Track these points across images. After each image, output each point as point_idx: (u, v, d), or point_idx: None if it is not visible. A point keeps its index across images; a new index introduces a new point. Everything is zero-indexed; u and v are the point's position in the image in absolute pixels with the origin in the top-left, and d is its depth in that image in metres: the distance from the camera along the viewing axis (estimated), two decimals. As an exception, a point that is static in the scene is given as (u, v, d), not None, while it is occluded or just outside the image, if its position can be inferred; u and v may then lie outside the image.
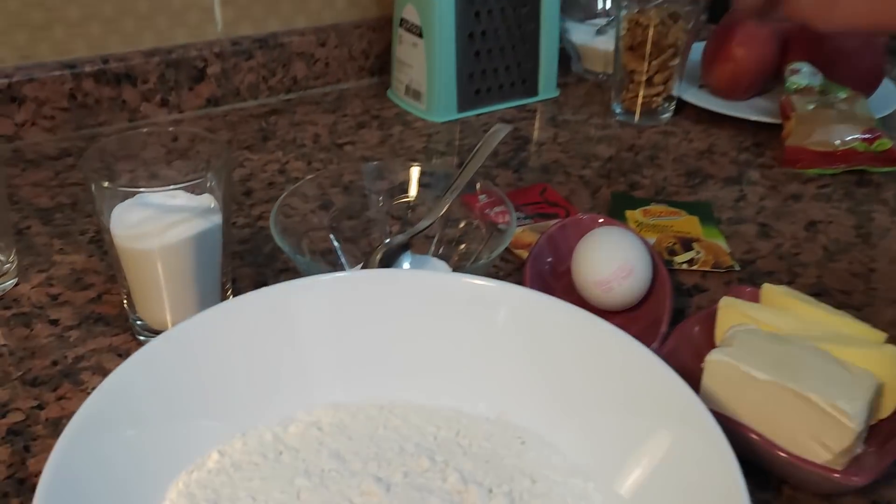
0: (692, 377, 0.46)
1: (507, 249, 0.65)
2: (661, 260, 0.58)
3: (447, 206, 0.58)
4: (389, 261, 0.57)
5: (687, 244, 0.66)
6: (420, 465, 0.42)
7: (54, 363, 0.51)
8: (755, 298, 0.53)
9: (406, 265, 0.57)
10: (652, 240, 0.66)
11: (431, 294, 0.46)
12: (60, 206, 0.67)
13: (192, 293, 0.52)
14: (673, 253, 0.64)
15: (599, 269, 0.54)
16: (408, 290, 0.47)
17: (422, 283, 0.47)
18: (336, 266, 0.59)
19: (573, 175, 0.77)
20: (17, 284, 0.58)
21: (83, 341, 0.53)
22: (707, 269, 0.63)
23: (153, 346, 0.41)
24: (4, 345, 0.52)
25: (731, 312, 0.51)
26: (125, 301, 0.53)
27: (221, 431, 0.42)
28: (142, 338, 0.53)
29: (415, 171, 0.63)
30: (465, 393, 0.46)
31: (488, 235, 0.58)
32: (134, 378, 0.40)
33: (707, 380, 0.46)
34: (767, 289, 0.52)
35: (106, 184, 0.48)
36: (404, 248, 0.57)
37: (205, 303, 0.53)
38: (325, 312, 0.46)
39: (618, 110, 0.89)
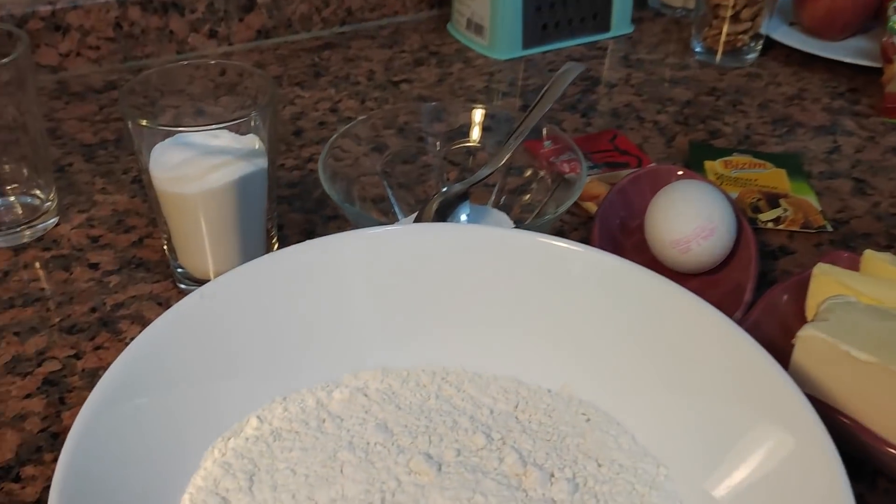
0: (779, 353, 0.41)
1: (575, 202, 0.60)
2: (745, 218, 0.52)
3: (510, 154, 0.53)
4: (446, 211, 0.53)
5: (773, 200, 0.60)
6: (475, 442, 0.38)
7: (93, 310, 0.49)
8: (854, 266, 0.48)
9: (464, 217, 0.53)
10: (734, 195, 0.60)
11: (493, 252, 0.42)
12: (104, 143, 0.65)
13: (236, 241, 0.49)
14: (757, 210, 0.59)
15: (677, 227, 0.48)
16: (467, 247, 0.42)
17: (483, 238, 0.42)
18: (388, 215, 0.55)
19: (647, 121, 0.71)
20: (57, 224, 0.55)
21: (123, 287, 0.50)
22: (795, 228, 0.57)
23: (188, 303, 0.38)
24: (43, 289, 0.50)
25: (827, 281, 0.45)
26: (165, 247, 0.50)
27: (261, 394, 0.39)
28: (182, 286, 0.50)
29: (476, 114, 0.58)
30: (525, 361, 0.42)
31: (554, 186, 0.53)
32: (168, 336, 0.36)
33: (798, 358, 0.41)
34: (869, 255, 0.46)
35: (144, 122, 0.45)
36: (462, 197, 0.53)
37: (248, 251, 0.50)
38: (376, 268, 0.42)
39: (698, 49, 0.81)
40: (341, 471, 0.36)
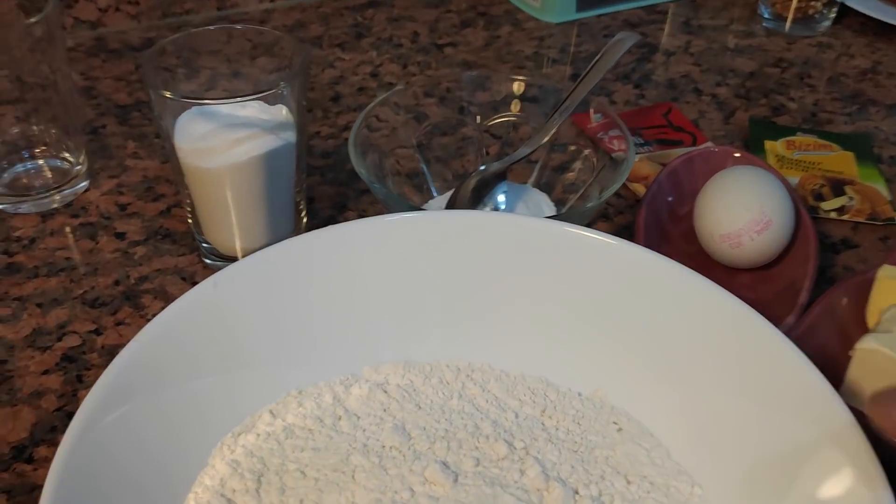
0: (835, 364, 0.38)
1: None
2: (805, 209, 0.48)
3: (554, 130, 0.50)
4: (483, 190, 0.50)
5: (838, 187, 0.55)
6: (496, 451, 0.36)
7: (116, 283, 0.48)
8: (924, 269, 0.44)
9: (501, 197, 0.50)
10: (795, 180, 0.56)
11: (524, 243, 0.39)
12: (139, 104, 0.63)
13: (262, 216, 0.47)
14: (820, 198, 0.54)
15: (729, 220, 0.45)
16: (499, 237, 0.40)
17: (517, 228, 0.40)
18: (423, 190, 0.53)
19: (705, 94, 0.66)
20: (87, 190, 0.54)
21: (148, 260, 0.49)
22: (861, 219, 0.53)
23: (202, 289, 0.36)
24: (69, 258, 0.49)
25: (892, 286, 0.41)
26: (190, 220, 0.48)
27: (276, 388, 0.37)
28: (208, 261, 0.49)
29: (521, 85, 0.54)
30: (556, 361, 0.39)
31: (600, 166, 0.50)
32: (179, 326, 0.35)
33: (854, 371, 0.38)
34: (943, 259, 0.43)
35: (167, 93, 0.43)
36: (501, 176, 0.50)
37: (276, 227, 0.48)
38: (401, 257, 0.40)
39: (766, 15, 0.76)
40: (353, 476, 0.34)
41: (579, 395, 0.39)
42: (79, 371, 0.42)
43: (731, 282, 0.47)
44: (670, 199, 0.51)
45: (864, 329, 0.41)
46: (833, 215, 0.53)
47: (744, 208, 0.45)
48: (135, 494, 0.31)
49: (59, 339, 0.44)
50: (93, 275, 0.48)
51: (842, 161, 0.58)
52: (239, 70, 0.49)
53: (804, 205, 0.49)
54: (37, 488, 0.37)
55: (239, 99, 0.43)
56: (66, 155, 0.54)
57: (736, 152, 0.51)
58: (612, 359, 0.38)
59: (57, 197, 0.53)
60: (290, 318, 0.38)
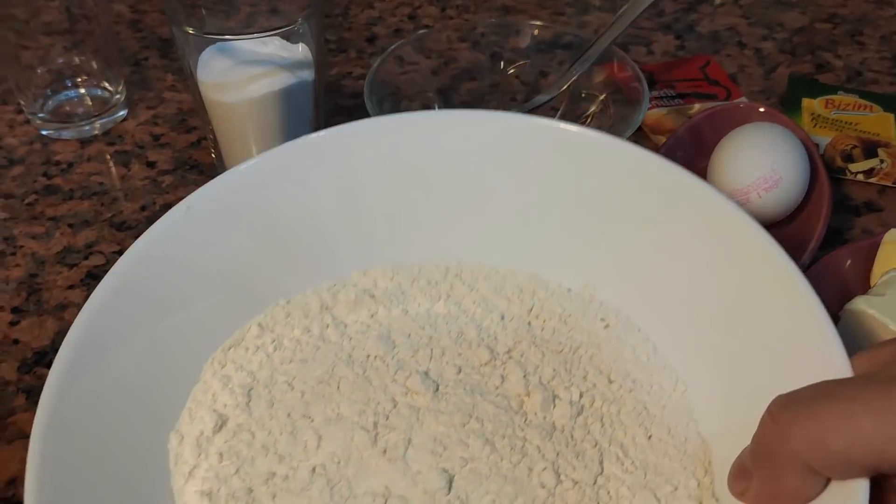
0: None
1: (643, 135, 0.56)
2: (824, 169, 0.47)
3: (573, 80, 0.50)
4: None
5: (871, 149, 0.54)
6: (478, 357, 0.36)
7: (143, 208, 0.50)
8: (937, 235, 0.42)
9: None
10: (825, 139, 0.54)
11: (513, 140, 0.39)
12: (182, 39, 0.65)
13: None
14: (849, 159, 0.53)
15: (738, 176, 0.44)
16: (484, 134, 0.39)
17: (501, 125, 0.39)
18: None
19: (748, 47, 0.64)
20: (124, 119, 0.57)
21: (174, 188, 0.52)
22: (888, 183, 0.51)
23: (196, 198, 0.37)
24: (102, 183, 0.52)
25: (897, 251, 0.41)
26: (213, 152, 0.50)
27: (265, 298, 0.38)
28: (229, 192, 0.51)
29: (552, 31, 0.54)
30: (546, 257, 0.39)
31: (617, 114, 0.50)
32: (160, 248, 0.36)
33: (844, 331, 0.38)
34: (954, 226, 0.41)
35: (190, 30, 0.44)
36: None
37: (294, 162, 0.50)
38: (390, 159, 0.39)
39: (824, -32, 0.73)
40: (338, 388, 0.35)
41: (569, 290, 0.39)
42: (100, 288, 0.45)
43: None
44: (691, 152, 0.50)
45: (865, 292, 0.40)
46: (860, 177, 0.52)
47: (754, 165, 0.44)
48: (131, 408, 0.33)
49: (86, 258, 0.47)
50: (122, 200, 0.51)
51: (880, 122, 0.56)
52: (277, 8, 0.50)
53: (825, 165, 0.47)
54: (53, 391, 0.40)
55: (258, 35, 0.44)
56: (107, 85, 0.57)
57: (761, 107, 0.50)
58: (601, 253, 0.38)
59: (96, 125, 0.56)
60: (275, 228, 0.38)
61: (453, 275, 0.40)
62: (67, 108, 0.56)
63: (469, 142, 0.39)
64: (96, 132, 0.56)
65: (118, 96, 0.57)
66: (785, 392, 0.27)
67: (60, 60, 0.55)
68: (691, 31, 0.66)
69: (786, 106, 0.58)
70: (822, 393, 0.26)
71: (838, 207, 0.50)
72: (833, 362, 0.29)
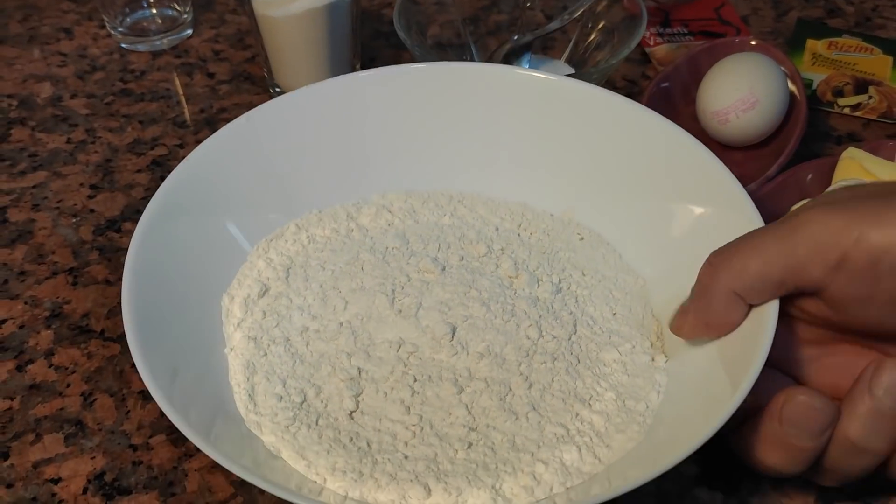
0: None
1: (652, 66, 0.61)
2: (804, 97, 0.52)
3: (582, 10, 0.55)
4: (511, 60, 0.56)
5: (862, 87, 0.58)
6: (477, 250, 0.43)
7: (201, 111, 0.58)
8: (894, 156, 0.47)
9: (525, 66, 0.56)
10: (821, 76, 0.59)
11: (504, 89, 0.46)
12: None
13: (320, 65, 0.56)
14: (839, 94, 0.57)
15: (719, 98, 0.50)
16: (479, 84, 0.46)
17: (495, 78, 0.46)
18: (464, 59, 0.59)
19: (765, -8, 0.68)
20: (190, 37, 0.65)
21: (229, 95, 0.59)
22: (873, 117, 0.55)
23: (256, 113, 0.44)
24: (168, 89, 0.60)
25: (852, 166, 0.45)
26: (264, 68, 0.58)
27: (301, 207, 0.45)
28: (275, 100, 0.58)
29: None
30: (534, 189, 0.46)
31: (620, 41, 0.55)
32: (221, 152, 0.43)
33: (791, 230, 0.43)
34: (907, 146, 0.46)
35: (244, -52, 0.51)
36: (527, 47, 0.56)
37: (333, 75, 0.56)
38: (407, 103, 0.47)
39: (854, -79, 0.76)
40: (362, 268, 0.43)
41: (552, 215, 0.46)
42: (163, 173, 0.53)
43: (723, 157, 0.52)
44: (688, 81, 0.56)
45: (820, 201, 0.45)
46: (846, 111, 0.56)
47: (733, 88, 0.49)
48: (193, 270, 0.40)
49: (152, 149, 0.55)
50: (184, 103, 0.59)
51: (878, 64, 0.60)
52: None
53: (804, 94, 0.52)
54: (120, 250, 0.48)
55: (303, -42, 0.51)
56: (175, 5, 0.64)
57: (752, 41, 0.55)
58: (580, 185, 0.45)
59: (165, 40, 0.63)
60: (313, 151, 0.46)
61: (457, 200, 0.47)
62: (144, 25, 0.64)
63: (473, 92, 0.46)
64: (164, 47, 0.63)
65: (185, 16, 0.64)
66: None
67: (137, -17, 0.63)
68: (713, -23, 0.70)
69: (790, 46, 0.62)
70: (742, 238, 0.34)
71: (822, 137, 0.55)
72: None
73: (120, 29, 0.63)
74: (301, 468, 0.33)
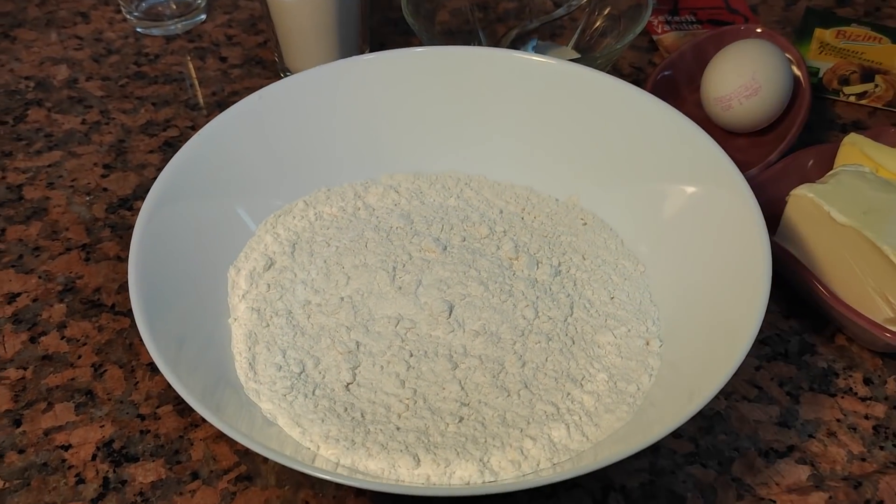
0: (782, 210, 0.44)
1: (659, 54, 0.61)
2: (808, 84, 0.52)
3: (583, 1, 0.56)
4: (517, 46, 0.57)
5: (868, 75, 0.58)
6: (479, 232, 0.44)
7: (213, 93, 0.59)
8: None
9: (530, 51, 0.57)
10: (828, 65, 0.59)
11: (508, 74, 0.47)
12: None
13: (329, 49, 0.57)
14: (845, 83, 0.57)
15: (722, 84, 0.50)
16: (490, 69, 0.47)
17: (500, 62, 0.47)
18: (472, 45, 0.60)
19: (775, -19, 0.68)
20: (203, 22, 0.66)
21: (241, 79, 0.60)
22: (879, 105, 0.56)
23: (267, 91, 0.45)
24: (181, 72, 0.61)
25: (853, 151, 0.46)
26: (275, 53, 0.58)
27: (310, 185, 0.47)
28: (285, 84, 0.59)
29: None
30: (540, 173, 0.47)
31: (626, 27, 0.56)
32: (232, 128, 0.44)
33: (789, 214, 0.44)
34: (907, 132, 0.46)
35: (256, -67, 0.52)
36: (533, 33, 0.57)
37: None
38: (417, 86, 0.47)
39: (868, -90, 0.75)
40: (366, 245, 0.44)
41: (556, 200, 0.47)
42: (174, 154, 0.54)
43: (727, 143, 0.53)
44: (693, 68, 0.56)
45: (820, 186, 0.46)
46: (852, 99, 0.56)
47: (736, 75, 0.50)
48: (200, 243, 0.41)
49: (164, 130, 0.56)
50: (197, 86, 0.60)
51: (885, 53, 0.60)
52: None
53: (808, 82, 0.52)
54: (131, 227, 0.49)
55: (312, -56, 0.52)
56: (190, -9, 0.65)
57: (758, 28, 0.55)
58: (584, 170, 0.46)
59: (179, 25, 0.65)
60: (322, 130, 0.47)
61: (463, 183, 0.48)
62: (159, 9, 0.65)
63: (479, 77, 0.47)
64: (178, 31, 0.65)
65: (199, 2, 0.65)
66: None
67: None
68: (724, -34, 0.71)
69: (798, 35, 0.62)
70: None
71: (828, 125, 0.55)
72: (757, 248, 0.37)
73: (135, 13, 0.64)
74: (296, 435, 0.34)
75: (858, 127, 0.55)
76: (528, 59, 0.46)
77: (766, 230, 0.37)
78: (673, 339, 0.39)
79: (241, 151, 0.45)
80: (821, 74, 0.58)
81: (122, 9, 0.65)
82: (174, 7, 0.65)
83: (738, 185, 0.39)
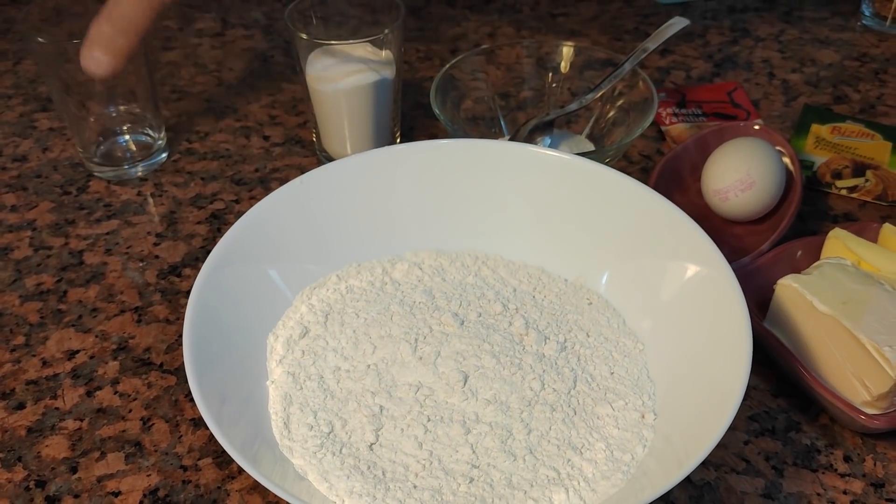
0: (769, 298, 0.48)
1: (667, 143, 0.66)
2: (800, 179, 0.57)
3: (601, 92, 0.61)
4: (536, 134, 0.62)
5: (860, 170, 0.62)
6: (494, 309, 0.49)
7: (256, 170, 0.65)
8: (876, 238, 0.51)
9: (548, 141, 0.62)
10: (822, 159, 0.63)
11: (523, 165, 0.52)
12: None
13: (365, 134, 0.62)
14: (838, 176, 0.62)
15: (720, 178, 0.55)
16: (507, 160, 0.52)
17: (515, 155, 0.52)
18: (493, 131, 0.65)
19: (777, 78, 0.74)
20: (249, 103, 0.72)
21: (282, 157, 0.66)
22: (869, 199, 0.60)
23: (308, 177, 0.50)
24: (228, 149, 0.67)
25: (837, 245, 0.50)
26: (314, 133, 0.64)
27: (342, 260, 0.51)
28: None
29: (600, 53, 0.66)
30: (551, 255, 0.52)
31: (635, 120, 0.61)
32: (275, 210, 0.49)
33: (776, 301, 0.48)
34: (887, 229, 0.50)
35: (303, 35, 0.59)
36: (550, 124, 0.62)
37: (376, 145, 0.63)
38: (439, 173, 0.52)
39: (867, 13, 0.81)
40: (391, 318, 0.48)
41: (565, 280, 0.51)
42: (220, 226, 0.60)
43: (725, 231, 0.57)
44: (696, 159, 0.61)
45: (807, 276, 0.50)
46: (844, 192, 0.61)
47: (733, 169, 0.54)
48: (244, 311, 0.46)
49: (211, 203, 0.62)
50: (242, 163, 0.66)
51: (877, 149, 0.65)
52: (378, 20, 0.63)
53: (800, 177, 0.57)
54: (180, 293, 0.55)
55: (352, 42, 0.58)
56: (150, 132, 0.72)
57: (756, 125, 0.60)
58: (591, 255, 0.51)
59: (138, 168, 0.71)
60: (355, 211, 0.52)
61: (481, 262, 0.53)
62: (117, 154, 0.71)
63: (497, 166, 0.52)
64: (139, 175, 0.71)
65: (160, 142, 0.66)
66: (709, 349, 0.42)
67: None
68: (729, 60, 0.76)
69: (796, 129, 0.67)
70: None
71: (820, 215, 0.59)
72: (740, 331, 0.41)
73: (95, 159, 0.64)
74: (323, 489, 0.39)
75: (849, 218, 0.59)
76: (541, 154, 0.52)
77: (748, 314, 0.41)
78: (666, 412, 0.43)
79: (283, 229, 0.50)
80: (815, 168, 0.63)
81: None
82: (134, 148, 0.71)
83: (725, 274, 0.43)
